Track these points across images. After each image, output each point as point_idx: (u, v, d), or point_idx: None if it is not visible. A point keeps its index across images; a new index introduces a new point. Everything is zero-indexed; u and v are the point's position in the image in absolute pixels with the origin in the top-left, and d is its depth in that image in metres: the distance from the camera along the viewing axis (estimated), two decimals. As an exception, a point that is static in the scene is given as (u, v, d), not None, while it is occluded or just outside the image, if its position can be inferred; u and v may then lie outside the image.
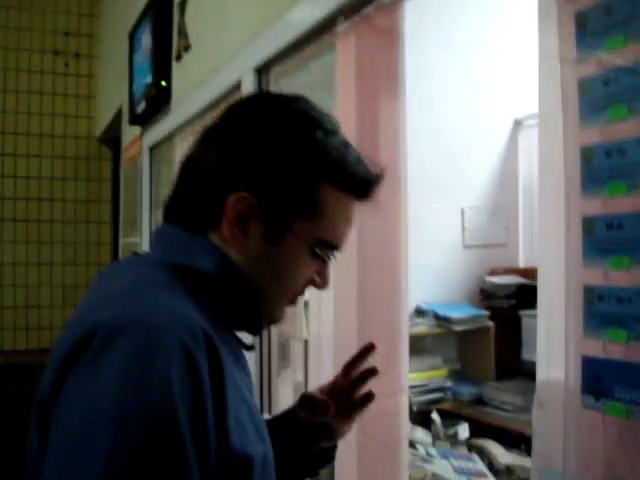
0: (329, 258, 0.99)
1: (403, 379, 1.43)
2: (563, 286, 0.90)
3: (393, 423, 1.42)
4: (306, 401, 1.18)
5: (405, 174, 1.46)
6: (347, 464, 1.49)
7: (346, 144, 0.96)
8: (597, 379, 0.86)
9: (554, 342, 0.96)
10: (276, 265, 0.94)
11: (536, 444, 0.99)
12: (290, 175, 0.92)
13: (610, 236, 0.84)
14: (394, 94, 1.47)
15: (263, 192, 0.91)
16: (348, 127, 1.50)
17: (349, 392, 1.17)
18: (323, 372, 1.66)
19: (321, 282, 1.01)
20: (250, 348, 1.03)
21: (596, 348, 0.86)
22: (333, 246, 0.97)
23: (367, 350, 1.17)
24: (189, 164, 0.98)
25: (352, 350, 1.52)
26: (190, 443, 0.76)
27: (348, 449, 1.49)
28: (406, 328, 1.44)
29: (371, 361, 1.49)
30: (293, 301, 1.01)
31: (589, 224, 0.86)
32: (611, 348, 0.84)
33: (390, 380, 1.43)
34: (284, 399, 1.84)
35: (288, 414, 1.19)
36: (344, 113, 1.55)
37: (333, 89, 1.62)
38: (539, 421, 0.99)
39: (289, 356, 1.86)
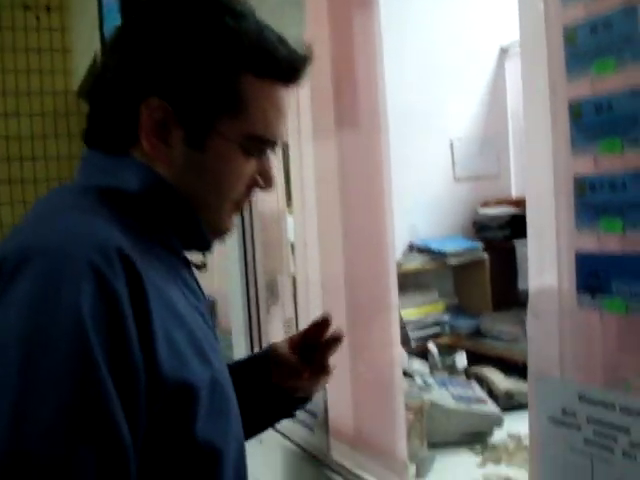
0: (265, 154, 0.91)
1: (393, 314, 1.38)
2: (552, 180, 0.84)
3: (387, 354, 1.38)
4: (276, 360, 1.14)
5: (384, 96, 1.39)
6: (341, 395, 1.45)
7: (261, 26, 0.86)
8: (592, 275, 0.80)
9: (545, 244, 0.90)
10: (208, 172, 0.87)
11: (532, 352, 0.94)
12: (203, 70, 0.82)
13: (600, 119, 0.77)
14: (368, 7, 1.39)
15: (176, 94, 0.82)
16: (322, 47, 1.42)
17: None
18: (312, 308, 1.61)
19: (264, 182, 0.93)
20: (201, 267, 0.98)
21: (590, 242, 0.80)
22: (266, 140, 0.89)
23: (321, 325, 1.14)
24: (96, 80, 0.89)
25: (340, 289, 1.48)
26: (106, 372, 0.70)
27: (342, 379, 1.45)
28: (394, 262, 1.38)
29: (361, 300, 1.44)
30: (238, 208, 0.94)
31: (577, 109, 0.80)
32: (606, 240, 0.78)
33: (381, 316, 1.39)
34: (275, 335, 1.79)
35: (257, 368, 1.15)
36: (316, 33, 1.47)
37: (304, 9, 1.54)
38: (534, 330, 0.94)
39: (277, 292, 1.81)
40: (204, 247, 0.95)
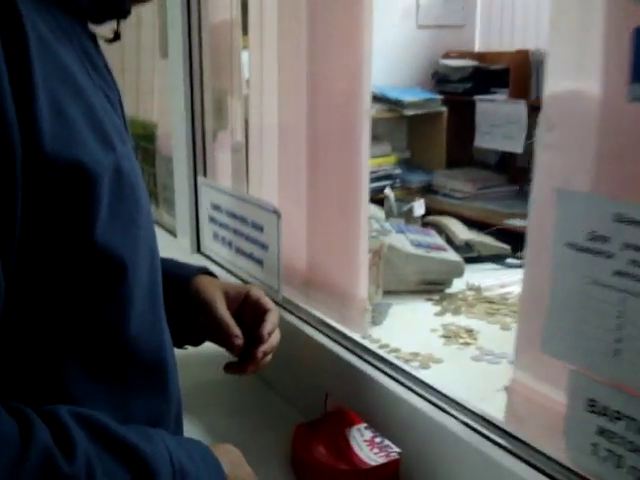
0: None
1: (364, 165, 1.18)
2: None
3: (353, 178, 1.20)
4: (208, 313, 0.96)
5: None
6: (296, 226, 1.28)
7: None
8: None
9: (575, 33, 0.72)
10: None
11: (550, 165, 0.77)
12: None
13: None
14: None
15: None
16: None
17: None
18: (265, 133, 1.41)
19: None
20: (113, 40, 0.79)
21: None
22: None
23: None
24: None
25: (300, 137, 1.27)
26: None
27: (298, 206, 1.28)
28: (368, 118, 1.17)
29: (331, 156, 1.24)
30: None
31: None
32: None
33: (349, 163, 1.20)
34: (222, 165, 1.60)
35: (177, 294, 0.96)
36: None
37: None
38: (554, 140, 0.77)
39: (226, 116, 1.60)
40: (121, 12, 0.75)
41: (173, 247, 1.67)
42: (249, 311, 0.99)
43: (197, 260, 1.56)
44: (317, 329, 1.17)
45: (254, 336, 0.94)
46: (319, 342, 1.13)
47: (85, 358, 0.67)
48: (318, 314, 1.21)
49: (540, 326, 0.73)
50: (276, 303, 1.25)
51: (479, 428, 0.83)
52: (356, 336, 1.12)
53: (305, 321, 1.21)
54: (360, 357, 1.06)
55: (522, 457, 0.78)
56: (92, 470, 0.60)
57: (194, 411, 1.12)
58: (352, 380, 1.04)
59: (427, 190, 3.19)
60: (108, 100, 0.72)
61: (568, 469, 0.74)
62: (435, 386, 0.92)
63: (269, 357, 0.95)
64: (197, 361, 1.10)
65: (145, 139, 1.95)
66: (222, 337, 0.94)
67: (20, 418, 0.59)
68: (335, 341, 1.12)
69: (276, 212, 1.21)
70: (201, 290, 0.98)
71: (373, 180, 2.97)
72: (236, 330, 0.93)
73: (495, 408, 0.89)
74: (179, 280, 0.98)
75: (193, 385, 1.08)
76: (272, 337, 0.96)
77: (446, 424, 0.85)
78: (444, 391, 0.91)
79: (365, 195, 1.18)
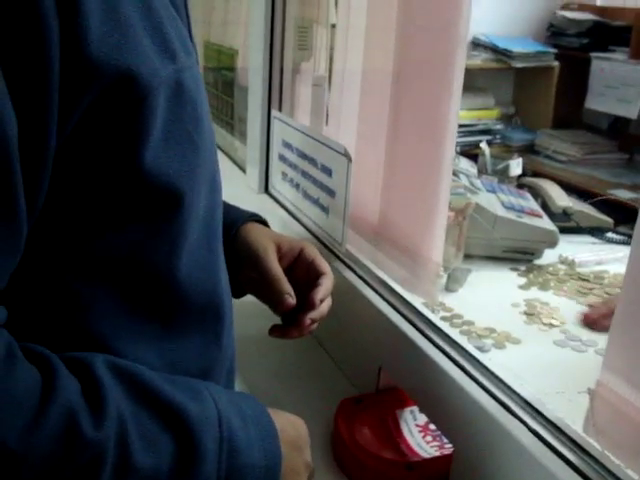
0: None
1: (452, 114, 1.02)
2: None
3: (438, 128, 1.04)
4: (258, 266, 0.85)
5: None
6: (369, 174, 1.14)
7: None
8: None
9: None
10: None
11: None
12: None
13: None
14: None
15: None
16: None
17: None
18: (349, 69, 1.26)
19: None
20: None
21: None
22: None
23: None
24: None
25: (386, 76, 1.11)
26: None
27: (374, 154, 1.13)
28: (462, 64, 1.00)
29: (417, 100, 1.08)
30: None
31: None
32: None
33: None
34: (301, 99, 1.46)
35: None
36: None
37: None
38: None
39: (310, 46, 1.45)
40: None
41: (241, 184, 1.56)
42: (301, 271, 0.88)
43: (263, 201, 1.44)
44: (378, 293, 1.03)
45: (304, 299, 0.83)
46: (378, 308, 1.00)
47: (125, 294, 0.58)
48: (382, 275, 1.07)
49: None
50: (337, 257, 1.13)
51: (549, 439, 0.68)
52: (420, 306, 0.98)
53: (366, 282, 1.07)
54: (421, 332, 0.92)
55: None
56: (125, 436, 0.50)
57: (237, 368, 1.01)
58: (409, 356, 0.91)
59: (528, 150, 2.97)
60: (172, 3, 0.60)
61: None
62: (504, 379, 0.78)
63: (315, 325, 0.83)
64: (245, 312, 0.99)
65: (227, 68, 1.84)
66: (270, 294, 0.84)
67: (43, 366, 0.49)
68: (396, 309, 0.98)
69: (346, 155, 1.07)
70: (251, 240, 0.87)
71: (470, 134, 2.80)
72: (287, 287, 0.83)
73: (573, 410, 0.74)
74: (226, 224, 0.86)
75: (238, 338, 0.97)
76: (323, 304, 0.85)
77: (510, 428, 0.71)
78: (513, 386, 0.76)
79: (451, 145, 1.02)
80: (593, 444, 0.67)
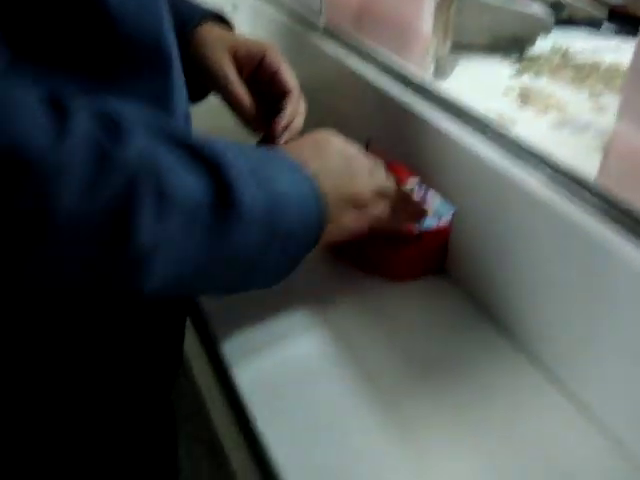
0: None
1: None
2: None
3: None
4: (213, 76, 0.77)
5: None
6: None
7: None
8: None
9: None
10: None
11: None
12: None
13: None
14: None
15: None
16: None
17: None
18: None
19: None
20: None
21: None
22: None
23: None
24: None
25: None
26: None
27: None
28: None
29: None
30: None
31: None
32: None
33: None
34: None
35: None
36: None
37: None
38: None
39: None
40: None
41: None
42: (265, 84, 0.79)
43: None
44: (365, 61, 0.94)
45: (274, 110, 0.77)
46: (364, 76, 0.90)
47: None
48: (368, 43, 0.96)
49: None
50: (316, 30, 1.02)
51: (562, 188, 0.62)
52: (412, 72, 0.88)
53: (352, 51, 0.97)
54: (415, 95, 0.83)
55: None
56: (154, 161, 0.44)
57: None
58: (403, 123, 0.82)
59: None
60: None
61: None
62: (507, 134, 0.70)
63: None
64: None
65: None
66: (231, 104, 0.77)
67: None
68: (387, 75, 0.89)
69: None
70: (205, 53, 0.78)
71: None
72: (250, 109, 0.77)
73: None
74: (178, 22, 0.73)
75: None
76: (293, 124, 0.77)
77: (519, 178, 0.64)
78: (518, 140, 0.69)
79: None
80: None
